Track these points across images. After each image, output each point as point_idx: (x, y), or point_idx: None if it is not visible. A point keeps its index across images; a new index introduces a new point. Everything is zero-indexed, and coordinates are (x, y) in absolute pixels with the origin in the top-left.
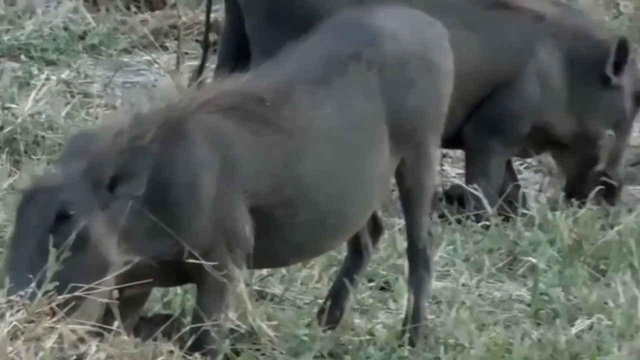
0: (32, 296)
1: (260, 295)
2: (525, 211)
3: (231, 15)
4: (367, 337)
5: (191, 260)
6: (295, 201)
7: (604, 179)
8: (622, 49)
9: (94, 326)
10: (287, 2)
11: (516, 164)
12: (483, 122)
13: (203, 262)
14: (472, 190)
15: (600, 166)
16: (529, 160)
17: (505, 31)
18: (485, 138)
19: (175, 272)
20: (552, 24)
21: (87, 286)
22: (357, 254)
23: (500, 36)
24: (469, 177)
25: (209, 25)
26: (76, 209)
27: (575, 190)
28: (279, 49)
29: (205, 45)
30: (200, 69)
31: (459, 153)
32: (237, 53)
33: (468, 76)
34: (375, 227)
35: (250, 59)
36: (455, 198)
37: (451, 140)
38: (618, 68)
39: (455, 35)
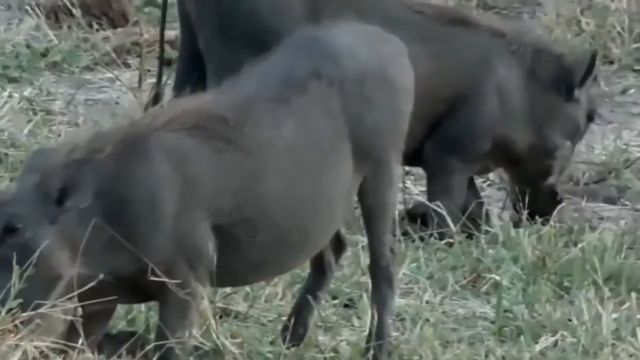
0: None
1: (224, 313)
2: (488, 229)
3: (185, 32)
4: (331, 354)
5: (154, 278)
6: (256, 219)
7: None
8: (592, 63)
9: (58, 343)
10: (237, 18)
11: (479, 181)
12: (442, 140)
13: (166, 279)
14: (435, 208)
15: (552, 179)
16: (491, 177)
17: (462, 47)
18: (445, 156)
19: (137, 289)
20: (512, 40)
21: (49, 302)
22: (319, 271)
23: (457, 52)
24: (431, 195)
25: (163, 41)
26: (23, 222)
27: (529, 204)
28: (233, 64)
29: (160, 62)
30: (158, 85)
31: (422, 170)
32: (193, 69)
33: (424, 92)
34: (338, 245)
35: (206, 75)
36: (418, 216)
37: (411, 158)
38: (582, 82)
39: (411, 50)
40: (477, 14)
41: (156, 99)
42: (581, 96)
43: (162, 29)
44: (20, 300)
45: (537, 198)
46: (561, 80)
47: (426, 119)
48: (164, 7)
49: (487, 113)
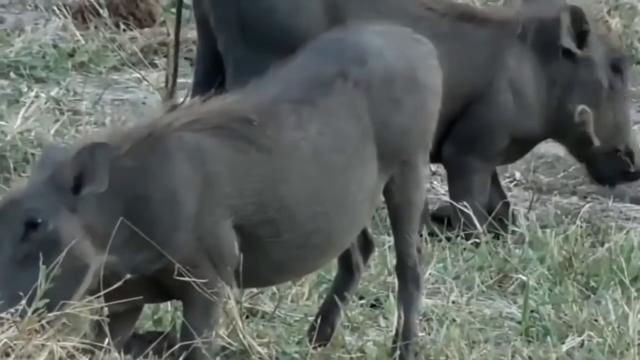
0: (23, 313)
1: (251, 313)
2: (515, 229)
3: (203, 34)
4: (358, 354)
5: (177, 277)
6: (279, 220)
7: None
8: (576, 18)
9: (84, 343)
10: (257, 19)
11: (505, 181)
12: (460, 140)
13: (191, 279)
14: (462, 208)
15: (596, 142)
16: (518, 177)
17: (472, 43)
18: (464, 156)
19: (161, 288)
20: (516, 23)
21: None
22: (348, 272)
23: (469, 49)
24: (454, 196)
25: (178, 43)
26: (43, 215)
27: (597, 177)
28: (253, 65)
29: (175, 63)
30: (173, 85)
31: None
32: (212, 70)
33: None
34: (366, 246)
35: (225, 76)
36: (444, 217)
37: (431, 156)
38: (582, 40)
39: None
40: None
41: (170, 96)
42: (591, 54)
43: (177, 30)
44: (47, 301)
45: (597, 166)
46: (557, 46)
47: (443, 118)
48: (179, 9)
49: (501, 109)
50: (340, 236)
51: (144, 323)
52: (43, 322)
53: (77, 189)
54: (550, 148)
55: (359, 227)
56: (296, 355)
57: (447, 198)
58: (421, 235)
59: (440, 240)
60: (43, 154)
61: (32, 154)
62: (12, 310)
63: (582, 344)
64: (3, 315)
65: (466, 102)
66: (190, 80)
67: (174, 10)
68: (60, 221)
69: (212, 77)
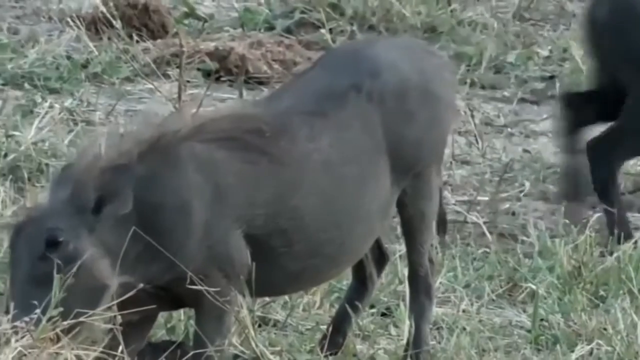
0: (37, 322)
1: (263, 321)
2: (524, 238)
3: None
4: None
5: (190, 286)
6: (291, 231)
7: None
8: None
9: (99, 351)
10: None
11: (515, 191)
12: None
13: (202, 287)
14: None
15: None
16: (527, 187)
17: None
18: None
19: (174, 297)
20: None
21: (91, 312)
22: (361, 282)
23: None
24: None
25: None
26: (64, 234)
27: None
28: None
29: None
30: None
31: (459, 180)
32: (600, 92)
33: None
34: (381, 257)
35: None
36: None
37: None
38: None
39: None
40: None
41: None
42: None
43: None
44: (61, 309)
45: None
46: None
47: None
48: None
49: None
50: (353, 247)
51: (157, 332)
52: (57, 330)
53: (97, 209)
54: (559, 158)
55: (372, 238)
56: None
57: (458, 208)
58: (433, 245)
59: (450, 249)
60: (61, 170)
61: (46, 164)
62: (26, 319)
63: (591, 353)
64: (18, 324)
65: None
66: (202, 91)
67: (186, 21)
68: (80, 241)
69: (591, 98)
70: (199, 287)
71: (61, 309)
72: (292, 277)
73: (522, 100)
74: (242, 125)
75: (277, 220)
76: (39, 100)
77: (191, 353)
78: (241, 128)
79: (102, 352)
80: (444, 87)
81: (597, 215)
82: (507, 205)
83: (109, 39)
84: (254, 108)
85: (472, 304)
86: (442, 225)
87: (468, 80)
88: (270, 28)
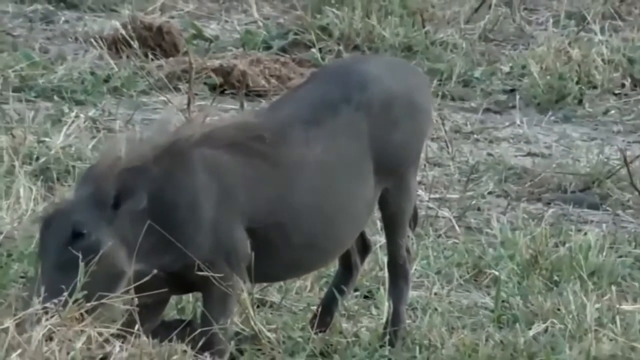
0: (64, 304)
1: (261, 303)
2: (489, 231)
3: None
4: (353, 338)
5: (199, 273)
6: (288, 225)
7: None
8: None
9: (118, 329)
10: None
11: (481, 189)
12: None
13: (210, 274)
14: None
15: None
16: (491, 187)
17: None
18: None
19: (184, 283)
20: None
21: (110, 295)
22: (347, 269)
23: None
24: None
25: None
26: (87, 227)
27: None
28: None
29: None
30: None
31: (431, 180)
32: None
33: None
34: (364, 247)
35: None
36: None
37: None
38: None
39: None
40: None
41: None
42: None
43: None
44: (85, 292)
45: None
46: None
47: None
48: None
49: None
50: (342, 239)
51: (169, 312)
52: (82, 311)
53: (116, 205)
54: (519, 161)
55: (358, 231)
56: (300, 340)
57: (431, 204)
58: (409, 237)
59: (423, 241)
60: (86, 171)
61: (73, 166)
62: (55, 301)
63: (546, 330)
64: (48, 305)
65: None
66: (208, 102)
67: (195, 42)
68: (101, 233)
69: None
70: (206, 274)
71: (85, 292)
72: (288, 266)
73: (487, 110)
74: (246, 132)
75: (276, 216)
76: (67, 110)
77: (199, 330)
78: (245, 135)
79: (121, 329)
80: (423, 99)
81: (551, 210)
82: (473, 202)
83: (128, 57)
84: (255, 117)
85: (442, 288)
86: (414, 219)
87: (440, 93)
88: (268, 48)
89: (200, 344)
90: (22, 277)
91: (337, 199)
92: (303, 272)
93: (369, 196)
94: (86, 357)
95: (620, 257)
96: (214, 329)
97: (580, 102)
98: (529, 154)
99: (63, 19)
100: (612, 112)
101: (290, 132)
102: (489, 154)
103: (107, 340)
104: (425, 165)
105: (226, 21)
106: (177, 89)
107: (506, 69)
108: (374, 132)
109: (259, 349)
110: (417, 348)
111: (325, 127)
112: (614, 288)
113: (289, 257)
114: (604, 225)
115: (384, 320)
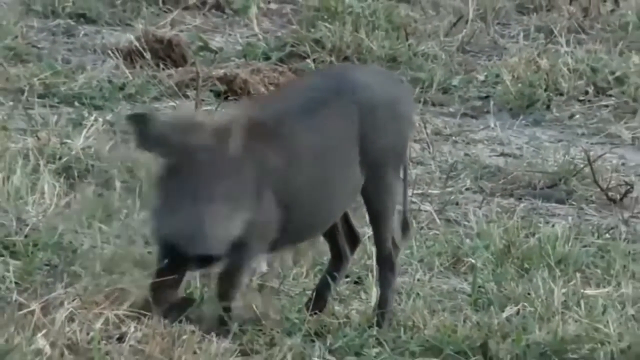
0: (85, 289)
1: (261, 288)
2: (466, 223)
3: None
4: (345, 320)
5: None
6: (299, 201)
7: None
8: None
9: (133, 311)
10: None
11: (459, 186)
12: None
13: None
14: None
15: None
16: (468, 183)
17: None
18: None
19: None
20: None
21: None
22: (338, 258)
23: None
24: None
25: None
26: None
27: None
28: None
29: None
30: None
31: (414, 177)
32: None
33: None
34: (354, 239)
35: None
36: None
37: None
38: None
39: None
40: None
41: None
42: None
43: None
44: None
45: None
46: None
47: None
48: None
49: None
50: (335, 212)
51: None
52: (100, 295)
53: None
54: (493, 160)
55: (344, 210)
56: (296, 321)
57: (414, 199)
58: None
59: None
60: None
61: (92, 165)
62: (76, 285)
63: (518, 312)
64: (69, 289)
65: None
66: (214, 108)
67: (201, 53)
68: None
69: None
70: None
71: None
72: (293, 236)
73: (464, 115)
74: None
75: (290, 193)
76: (86, 115)
77: (206, 312)
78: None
79: (136, 311)
80: (407, 106)
81: (522, 205)
82: (452, 197)
83: (141, 67)
84: (261, 107)
85: (425, 275)
86: (406, 230)
87: (422, 99)
88: (267, 58)
89: (207, 324)
90: (46, 265)
91: (331, 179)
92: (305, 239)
93: (355, 181)
94: (104, 336)
95: (585, 246)
96: (231, 297)
97: (548, 107)
98: (502, 154)
99: (83, 32)
100: (577, 116)
101: (290, 121)
102: (466, 154)
103: (123, 321)
104: (408, 164)
105: (230, 34)
106: (185, 96)
107: (481, 77)
108: (361, 133)
109: (260, 329)
110: (402, 329)
111: (320, 117)
112: (578, 275)
113: (293, 229)
114: (569, 218)
115: (372, 304)
